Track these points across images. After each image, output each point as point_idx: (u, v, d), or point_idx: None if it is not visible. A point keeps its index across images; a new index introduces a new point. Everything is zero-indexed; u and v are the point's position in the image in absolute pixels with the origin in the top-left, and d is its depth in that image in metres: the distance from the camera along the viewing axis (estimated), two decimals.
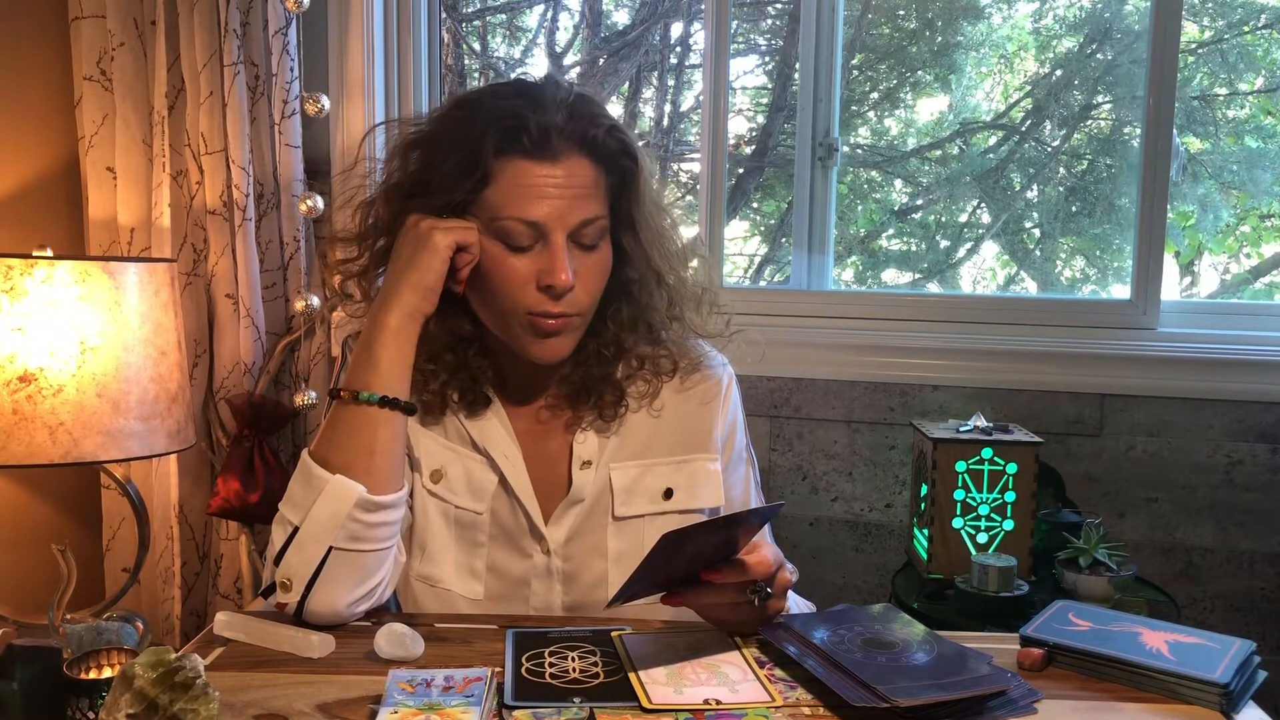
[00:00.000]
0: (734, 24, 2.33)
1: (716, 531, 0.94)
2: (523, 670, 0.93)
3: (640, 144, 1.14)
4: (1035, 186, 2.27)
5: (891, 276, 2.36)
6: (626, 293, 1.17)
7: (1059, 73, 2.21)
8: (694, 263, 1.21)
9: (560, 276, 1.05)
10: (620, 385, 1.18)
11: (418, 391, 1.14)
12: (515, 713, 0.85)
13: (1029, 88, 2.26)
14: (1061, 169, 2.25)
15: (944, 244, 2.32)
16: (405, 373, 1.09)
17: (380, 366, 1.07)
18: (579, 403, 1.18)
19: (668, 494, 1.18)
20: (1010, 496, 1.70)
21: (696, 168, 2.18)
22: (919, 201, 2.35)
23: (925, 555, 1.76)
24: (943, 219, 2.32)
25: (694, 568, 0.97)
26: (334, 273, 1.21)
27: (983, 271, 2.33)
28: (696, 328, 1.21)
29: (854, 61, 2.30)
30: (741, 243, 2.53)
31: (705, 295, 1.21)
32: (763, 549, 0.99)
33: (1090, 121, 2.22)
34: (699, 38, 2.36)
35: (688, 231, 1.23)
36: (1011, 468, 1.70)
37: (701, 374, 1.22)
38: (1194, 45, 2.11)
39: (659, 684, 0.90)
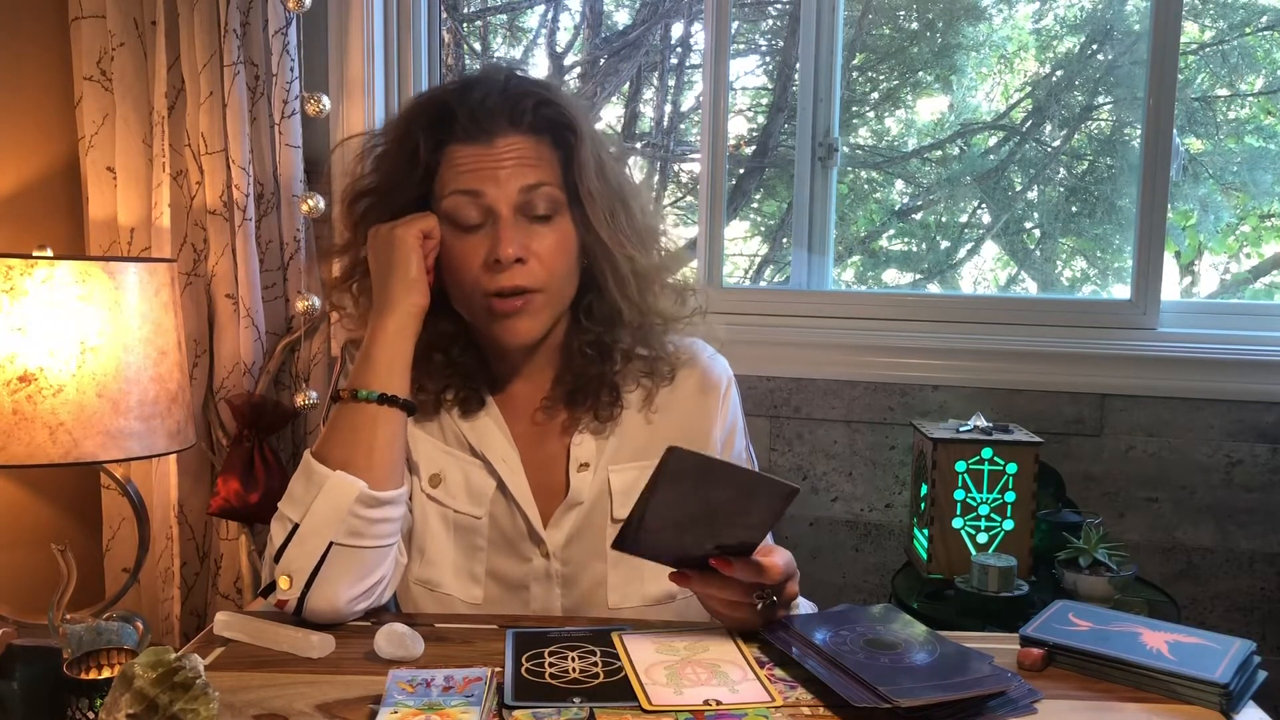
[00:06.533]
0: (734, 24, 2.33)
1: (731, 486, 0.93)
2: (522, 670, 0.93)
3: (588, 119, 1.15)
4: (1035, 187, 2.27)
5: (892, 277, 2.36)
6: (594, 282, 1.16)
7: (1059, 73, 2.21)
8: (663, 240, 1.21)
9: (504, 249, 1.06)
10: (615, 384, 1.17)
11: (412, 394, 1.14)
12: (515, 713, 0.85)
13: (1029, 88, 2.26)
14: (1062, 169, 2.25)
15: (944, 244, 2.32)
16: (405, 371, 1.10)
17: (379, 366, 1.08)
18: (575, 404, 1.18)
19: None
20: (1010, 496, 1.70)
21: (696, 168, 2.18)
22: (919, 202, 2.35)
23: (925, 555, 1.76)
24: (943, 219, 2.32)
25: (706, 539, 0.96)
26: (331, 289, 1.25)
27: (983, 272, 2.34)
28: (664, 313, 1.19)
29: (854, 62, 2.30)
30: (742, 243, 2.53)
31: (662, 273, 1.20)
32: (776, 554, 0.99)
33: (1091, 122, 2.22)
34: (699, 38, 2.36)
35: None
36: (1011, 468, 1.70)
37: (700, 377, 1.21)
38: (1195, 46, 2.11)
39: (659, 684, 0.90)
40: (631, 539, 0.97)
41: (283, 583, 1.03)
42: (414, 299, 1.10)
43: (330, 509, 1.02)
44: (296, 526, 1.03)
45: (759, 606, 0.98)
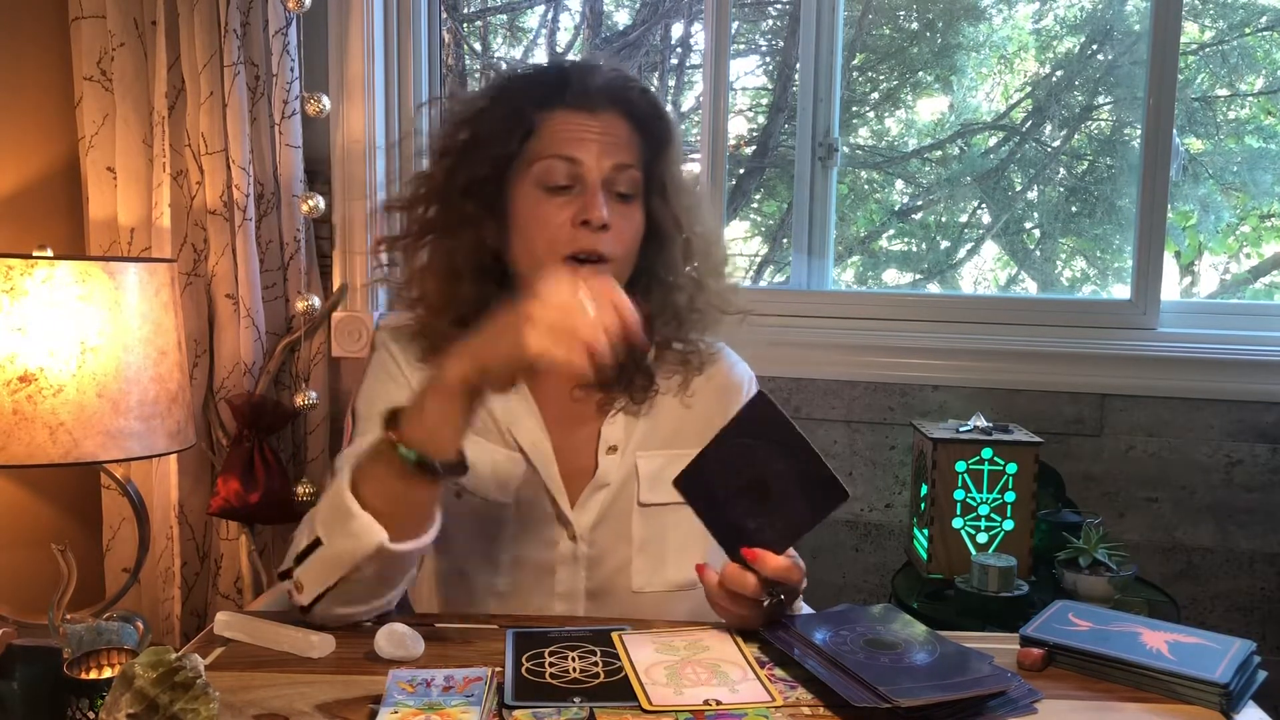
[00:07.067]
0: (734, 24, 2.33)
1: (792, 458, 0.97)
2: (523, 670, 0.93)
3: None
4: (1035, 187, 2.27)
5: (892, 277, 2.36)
6: (654, 272, 1.20)
7: (1059, 73, 2.21)
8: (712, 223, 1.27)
9: (596, 212, 1.10)
10: (650, 371, 1.20)
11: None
12: (515, 713, 0.85)
13: (1029, 88, 2.26)
14: (1062, 169, 2.25)
15: (944, 244, 2.32)
16: (455, 435, 0.99)
17: (428, 423, 0.97)
18: (609, 385, 1.19)
19: None
20: (1010, 496, 1.70)
21: (696, 168, 2.18)
22: (919, 202, 2.35)
23: (925, 555, 1.76)
24: (943, 219, 2.32)
25: (748, 517, 0.98)
26: (380, 245, 1.23)
27: (983, 272, 2.33)
28: (719, 303, 1.24)
29: (854, 62, 2.30)
30: (742, 243, 2.53)
31: (726, 265, 1.26)
32: (795, 556, 1.02)
33: (1090, 122, 2.22)
34: (699, 38, 2.36)
35: None
36: (1011, 468, 1.70)
37: (725, 374, 1.25)
38: (1194, 46, 2.11)
39: (659, 684, 0.90)
40: (692, 478, 1.00)
41: (295, 586, 1.03)
42: (492, 384, 0.97)
43: (346, 550, 0.99)
44: (319, 543, 1.01)
45: (765, 604, 0.99)
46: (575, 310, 0.92)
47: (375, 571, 1.01)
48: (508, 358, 0.94)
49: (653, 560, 1.17)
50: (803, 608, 1.16)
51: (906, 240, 2.37)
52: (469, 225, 1.16)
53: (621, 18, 2.59)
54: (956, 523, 1.72)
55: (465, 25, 2.60)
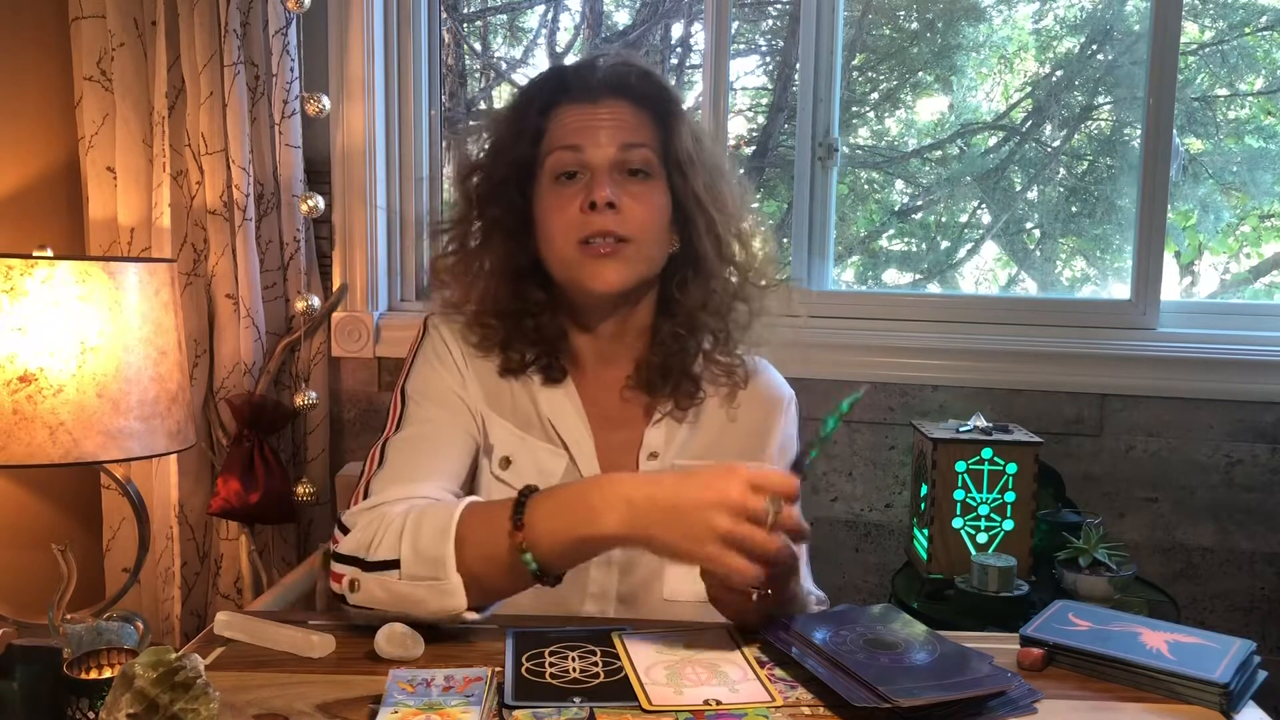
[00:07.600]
0: (734, 24, 2.33)
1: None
2: (523, 670, 0.93)
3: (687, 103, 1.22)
4: (1035, 187, 2.27)
5: (892, 277, 2.36)
6: (690, 260, 1.20)
7: (1059, 73, 2.21)
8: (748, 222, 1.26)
9: (598, 193, 1.11)
10: (697, 378, 1.21)
11: (501, 351, 1.18)
12: (515, 713, 0.85)
13: (1029, 88, 2.26)
14: (1062, 169, 2.25)
15: (944, 244, 2.32)
16: (575, 560, 1.01)
17: (557, 549, 0.97)
18: (655, 390, 1.20)
19: None
20: (1010, 496, 1.70)
21: None
22: (919, 202, 2.35)
23: (925, 555, 1.76)
24: (943, 219, 2.32)
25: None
26: (438, 271, 1.26)
27: (983, 272, 2.33)
28: (758, 270, 1.24)
29: (854, 62, 2.30)
30: None
31: (762, 236, 1.26)
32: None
33: (1090, 122, 2.22)
34: (699, 38, 2.36)
35: None
36: (1011, 468, 1.70)
37: (766, 388, 1.26)
38: (1194, 46, 2.11)
39: (659, 684, 0.90)
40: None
41: (350, 582, 1.01)
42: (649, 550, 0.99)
43: (424, 600, 0.99)
44: (395, 567, 0.99)
45: (754, 596, 0.98)
46: (761, 520, 0.95)
47: (435, 620, 1.01)
48: (683, 551, 0.93)
49: (685, 570, 1.16)
50: (809, 606, 1.15)
51: (906, 240, 2.37)
52: (499, 232, 1.19)
53: (621, 18, 2.59)
54: (956, 523, 1.72)
55: (465, 25, 2.60)
